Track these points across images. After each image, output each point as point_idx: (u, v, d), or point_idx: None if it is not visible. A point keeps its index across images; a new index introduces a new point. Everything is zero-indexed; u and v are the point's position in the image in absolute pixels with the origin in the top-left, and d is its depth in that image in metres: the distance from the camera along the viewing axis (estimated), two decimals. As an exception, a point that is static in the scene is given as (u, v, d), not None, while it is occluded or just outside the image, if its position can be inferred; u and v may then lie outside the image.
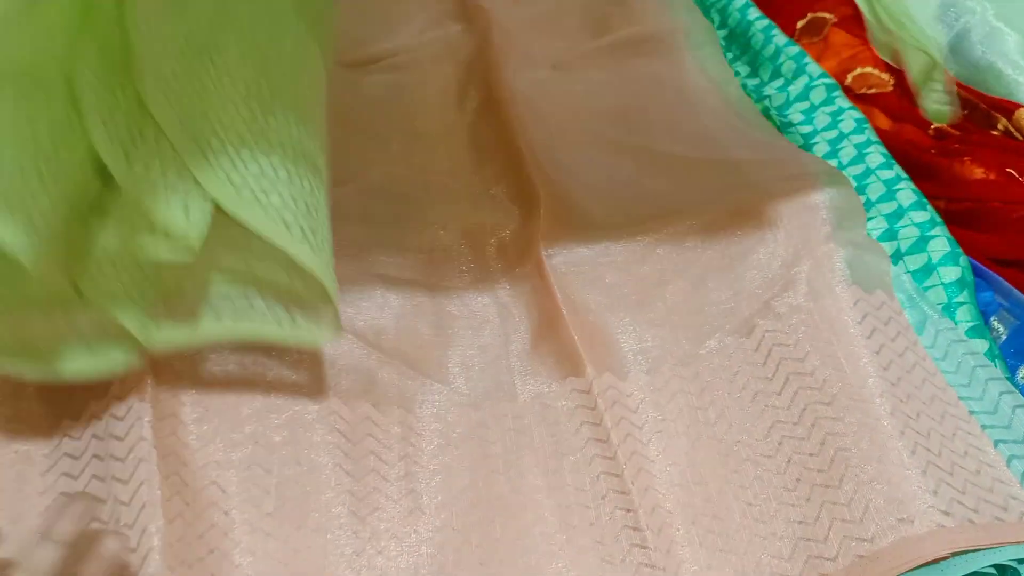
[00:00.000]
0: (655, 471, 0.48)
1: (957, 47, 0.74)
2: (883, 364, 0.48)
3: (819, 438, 0.47)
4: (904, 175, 0.64)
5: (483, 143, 0.66)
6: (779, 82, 0.75)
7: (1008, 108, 0.69)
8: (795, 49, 0.77)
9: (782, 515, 0.46)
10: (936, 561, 0.42)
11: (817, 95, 0.73)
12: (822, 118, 0.71)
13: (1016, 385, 0.53)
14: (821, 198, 0.58)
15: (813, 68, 0.75)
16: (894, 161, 0.65)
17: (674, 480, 0.47)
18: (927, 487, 0.44)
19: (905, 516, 0.43)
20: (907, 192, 0.62)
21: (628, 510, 0.46)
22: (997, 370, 0.50)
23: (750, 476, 0.47)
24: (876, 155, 0.65)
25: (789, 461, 0.47)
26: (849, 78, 0.76)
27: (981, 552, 0.42)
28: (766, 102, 0.74)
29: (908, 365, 0.49)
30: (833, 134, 0.69)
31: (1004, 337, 0.55)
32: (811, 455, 0.46)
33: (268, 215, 0.40)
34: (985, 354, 0.53)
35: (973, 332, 0.54)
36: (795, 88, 0.74)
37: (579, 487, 0.47)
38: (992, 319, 0.56)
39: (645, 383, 0.51)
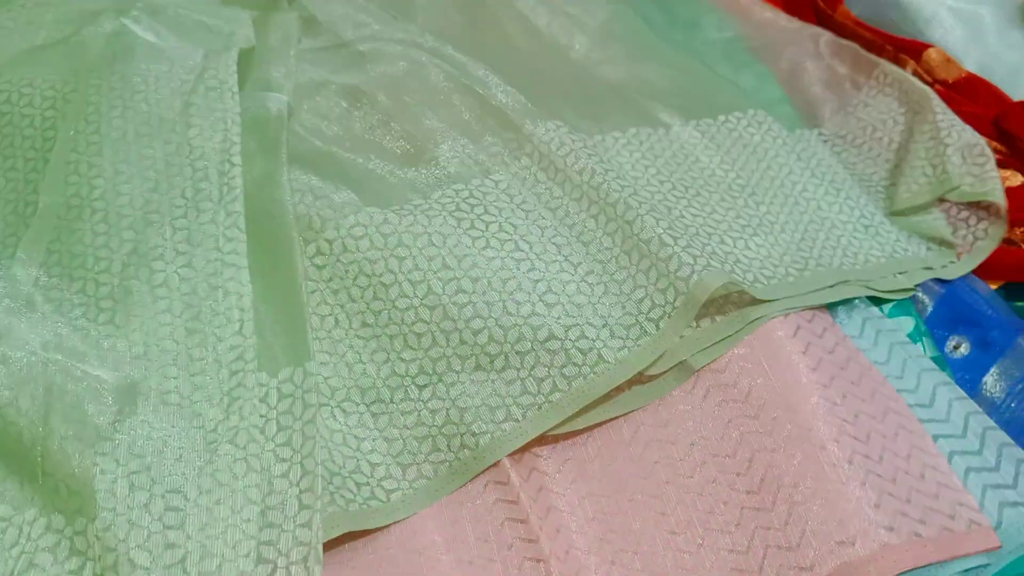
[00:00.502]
0: (565, 506, 0.42)
1: (861, -17, 0.69)
2: (812, 364, 0.43)
3: (747, 454, 0.42)
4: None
5: None
6: None
7: (916, 49, 0.64)
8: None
9: (710, 544, 0.41)
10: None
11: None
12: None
13: (946, 358, 0.49)
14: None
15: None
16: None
17: (588, 514, 0.42)
18: (868, 501, 0.39)
19: (846, 538, 0.38)
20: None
21: (538, 559, 0.40)
22: (930, 361, 0.46)
23: (672, 501, 0.42)
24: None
25: (715, 482, 0.42)
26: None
27: (928, 568, 0.38)
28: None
29: (841, 361, 0.44)
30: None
31: (930, 309, 0.51)
32: (739, 475, 0.41)
33: None
34: (911, 333, 0.49)
35: (898, 309, 0.50)
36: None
37: (482, 538, 0.41)
38: (917, 291, 0.51)
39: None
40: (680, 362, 0.44)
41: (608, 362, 0.43)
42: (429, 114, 0.54)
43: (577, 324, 0.44)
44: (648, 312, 0.44)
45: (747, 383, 0.43)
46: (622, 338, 0.44)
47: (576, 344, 0.43)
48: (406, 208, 0.48)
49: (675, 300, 0.44)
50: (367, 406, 0.44)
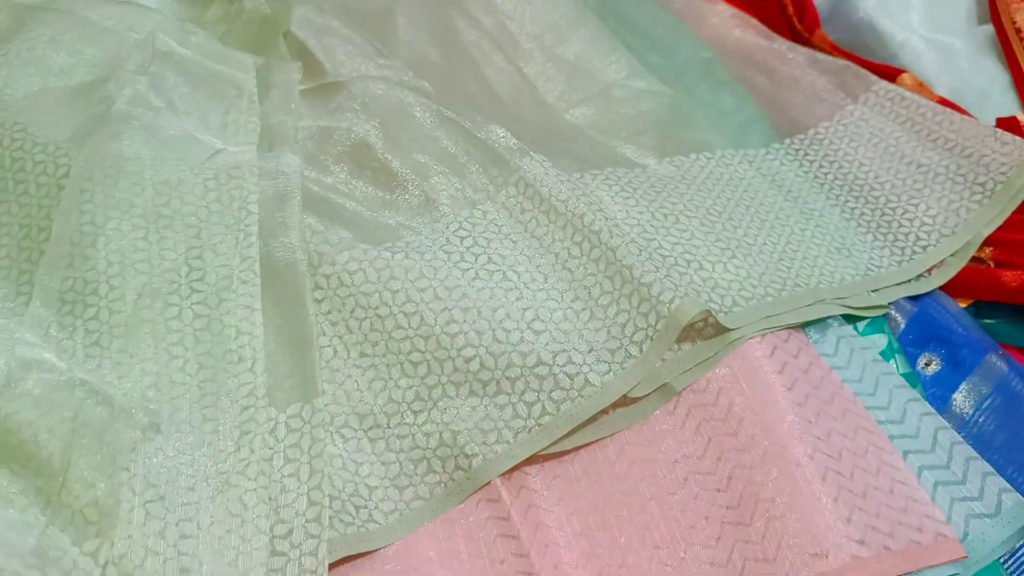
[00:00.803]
0: (553, 522, 0.44)
1: (837, 10, 0.71)
2: (788, 384, 0.46)
3: (727, 471, 0.44)
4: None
5: None
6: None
7: (890, 73, 0.66)
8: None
9: (692, 557, 0.43)
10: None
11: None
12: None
13: (917, 375, 0.52)
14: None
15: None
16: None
17: (576, 529, 0.44)
18: (840, 515, 0.41)
19: (819, 551, 0.41)
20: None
21: (529, 573, 0.42)
22: (901, 378, 0.48)
23: (656, 516, 0.44)
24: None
25: (696, 498, 0.44)
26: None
27: (898, 580, 0.41)
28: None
29: (815, 380, 0.46)
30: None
31: (902, 327, 0.53)
32: (719, 491, 0.43)
33: None
34: (884, 351, 0.51)
35: (872, 327, 0.52)
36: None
37: (475, 554, 0.43)
38: (890, 310, 0.54)
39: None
40: (662, 384, 0.46)
41: (594, 385, 0.45)
42: (417, 150, 0.56)
43: (564, 350, 0.46)
44: (632, 335, 0.46)
45: (726, 402, 0.45)
46: (607, 362, 0.46)
47: (564, 369, 0.45)
48: (398, 245, 0.50)
49: (657, 323, 0.46)
50: (365, 431, 0.45)
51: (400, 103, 0.58)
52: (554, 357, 0.45)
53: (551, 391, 0.45)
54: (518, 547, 0.42)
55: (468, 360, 0.46)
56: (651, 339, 0.46)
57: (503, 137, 0.55)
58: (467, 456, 0.44)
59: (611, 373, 0.45)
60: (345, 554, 0.41)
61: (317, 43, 0.62)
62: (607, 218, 0.51)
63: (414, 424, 0.45)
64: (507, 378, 0.45)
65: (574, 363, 0.45)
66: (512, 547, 0.43)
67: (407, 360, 0.46)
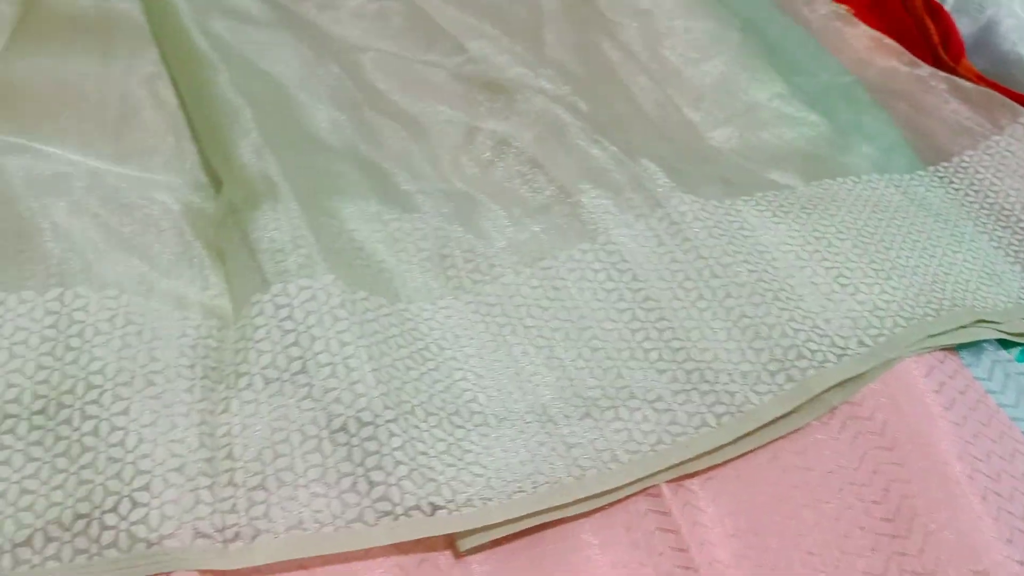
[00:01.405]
0: (708, 522, 0.45)
1: (983, 40, 0.72)
2: (945, 403, 0.46)
3: (882, 484, 0.44)
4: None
5: None
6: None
7: (1037, 105, 0.66)
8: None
9: (847, 565, 0.43)
10: (1015, 617, 0.40)
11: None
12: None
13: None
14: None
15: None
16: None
17: (728, 530, 0.45)
18: (1001, 535, 0.42)
19: (980, 568, 0.41)
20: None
21: (688, 567, 0.43)
22: (1060, 406, 0.48)
23: (809, 523, 0.45)
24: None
25: (851, 508, 0.45)
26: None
27: (1059, 604, 0.41)
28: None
29: (971, 402, 0.47)
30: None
31: (1056, 356, 0.53)
32: (875, 503, 0.44)
33: None
34: (1039, 378, 0.51)
35: (1025, 354, 0.52)
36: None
37: (634, 544, 0.44)
38: (1042, 338, 0.54)
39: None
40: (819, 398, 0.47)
41: (711, 426, 0.46)
42: (572, 165, 0.58)
43: (684, 389, 0.47)
44: (753, 386, 0.47)
45: (882, 418, 0.46)
46: (726, 402, 0.47)
47: (683, 408, 0.47)
48: (543, 265, 0.52)
49: (784, 384, 0.47)
50: (474, 427, 0.45)
51: (556, 119, 0.60)
52: (674, 395, 0.47)
53: (669, 424, 0.46)
54: (677, 541, 0.44)
55: (589, 388, 0.47)
56: (773, 393, 0.47)
57: (654, 174, 0.57)
58: (581, 468, 0.45)
59: (728, 415, 0.47)
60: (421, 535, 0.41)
61: (471, 42, 0.65)
62: (751, 270, 0.52)
63: (524, 432, 0.46)
64: (627, 407, 0.47)
65: (692, 402, 0.47)
66: (671, 541, 0.44)
67: (528, 381, 0.48)
